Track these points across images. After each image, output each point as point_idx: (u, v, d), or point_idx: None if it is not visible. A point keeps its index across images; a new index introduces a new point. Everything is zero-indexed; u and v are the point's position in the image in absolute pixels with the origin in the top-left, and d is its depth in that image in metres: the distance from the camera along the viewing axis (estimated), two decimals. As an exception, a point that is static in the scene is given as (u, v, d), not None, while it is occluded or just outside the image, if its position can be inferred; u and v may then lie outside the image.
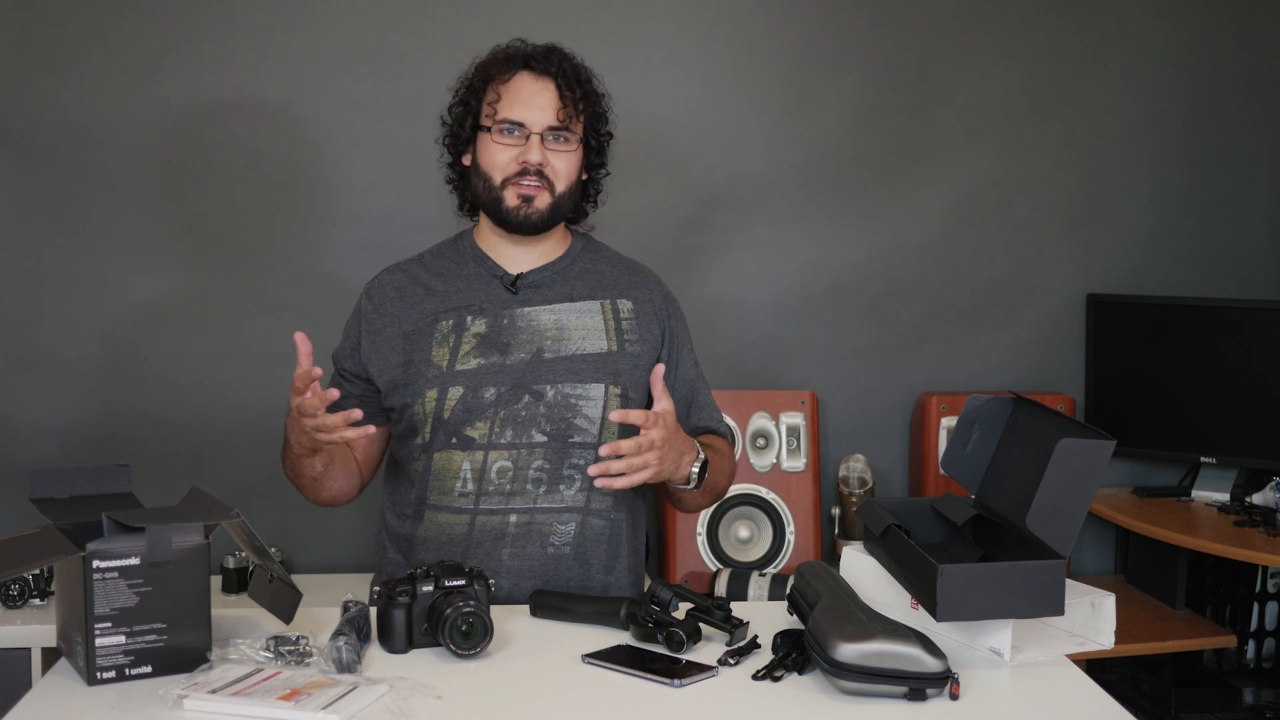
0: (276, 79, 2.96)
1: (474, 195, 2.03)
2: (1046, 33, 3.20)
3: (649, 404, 1.98)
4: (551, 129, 1.95)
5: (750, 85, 3.12)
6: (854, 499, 3.06)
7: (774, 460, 3.07)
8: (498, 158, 1.96)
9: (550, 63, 1.97)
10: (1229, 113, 3.29)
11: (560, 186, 1.97)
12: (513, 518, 1.92)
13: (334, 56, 2.97)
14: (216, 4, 2.92)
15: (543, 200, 1.96)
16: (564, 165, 1.97)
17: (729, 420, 3.05)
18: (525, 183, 1.95)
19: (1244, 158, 3.30)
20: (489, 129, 1.97)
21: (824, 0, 3.12)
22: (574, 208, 2.04)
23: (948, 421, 3.10)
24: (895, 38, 3.15)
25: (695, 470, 1.90)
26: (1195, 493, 3.17)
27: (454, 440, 1.93)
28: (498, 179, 1.96)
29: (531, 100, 1.95)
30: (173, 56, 2.92)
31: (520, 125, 1.95)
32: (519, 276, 2.01)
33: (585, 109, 1.99)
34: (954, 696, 1.48)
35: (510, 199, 1.96)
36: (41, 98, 2.89)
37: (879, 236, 3.20)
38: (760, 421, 3.08)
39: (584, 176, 2.05)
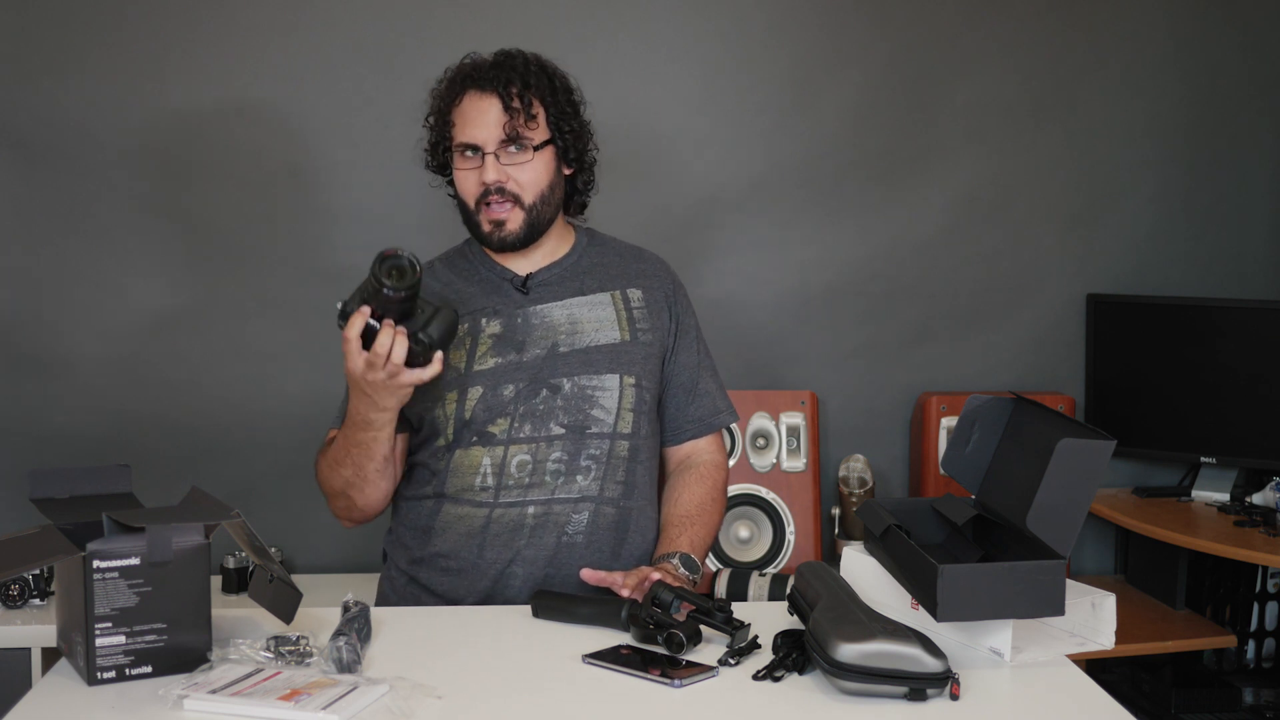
0: (276, 79, 2.96)
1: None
2: (1046, 33, 3.20)
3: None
4: (503, 143, 1.93)
5: (750, 85, 3.12)
6: (854, 499, 3.05)
7: (774, 460, 3.07)
8: (464, 183, 1.97)
9: (495, 76, 1.94)
10: (1229, 113, 3.28)
11: (529, 198, 1.96)
12: (531, 509, 1.94)
13: (334, 56, 2.97)
14: (216, 5, 2.93)
15: (515, 220, 1.95)
16: (527, 175, 1.95)
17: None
18: (494, 204, 1.94)
19: (1244, 158, 3.30)
20: (453, 155, 1.97)
21: (824, 0, 3.12)
22: (557, 209, 2.03)
23: (948, 421, 3.10)
24: (895, 38, 3.15)
25: (694, 578, 1.92)
26: (1195, 493, 3.17)
27: (475, 438, 1.95)
28: (470, 203, 1.97)
29: (479, 119, 1.94)
30: (173, 57, 2.92)
31: (475, 147, 1.94)
32: (529, 277, 2.02)
33: (544, 110, 1.96)
34: (954, 697, 1.48)
35: (484, 224, 1.96)
36: (42, 99, 2.90)
37: (879, 236, 3.20)
38: (760, 421, 3.08)
39: (568, 172, 2.03)
